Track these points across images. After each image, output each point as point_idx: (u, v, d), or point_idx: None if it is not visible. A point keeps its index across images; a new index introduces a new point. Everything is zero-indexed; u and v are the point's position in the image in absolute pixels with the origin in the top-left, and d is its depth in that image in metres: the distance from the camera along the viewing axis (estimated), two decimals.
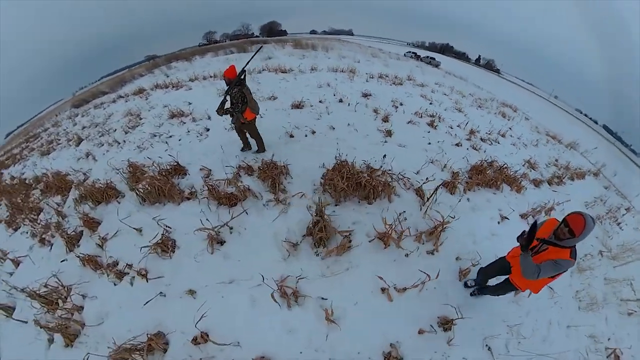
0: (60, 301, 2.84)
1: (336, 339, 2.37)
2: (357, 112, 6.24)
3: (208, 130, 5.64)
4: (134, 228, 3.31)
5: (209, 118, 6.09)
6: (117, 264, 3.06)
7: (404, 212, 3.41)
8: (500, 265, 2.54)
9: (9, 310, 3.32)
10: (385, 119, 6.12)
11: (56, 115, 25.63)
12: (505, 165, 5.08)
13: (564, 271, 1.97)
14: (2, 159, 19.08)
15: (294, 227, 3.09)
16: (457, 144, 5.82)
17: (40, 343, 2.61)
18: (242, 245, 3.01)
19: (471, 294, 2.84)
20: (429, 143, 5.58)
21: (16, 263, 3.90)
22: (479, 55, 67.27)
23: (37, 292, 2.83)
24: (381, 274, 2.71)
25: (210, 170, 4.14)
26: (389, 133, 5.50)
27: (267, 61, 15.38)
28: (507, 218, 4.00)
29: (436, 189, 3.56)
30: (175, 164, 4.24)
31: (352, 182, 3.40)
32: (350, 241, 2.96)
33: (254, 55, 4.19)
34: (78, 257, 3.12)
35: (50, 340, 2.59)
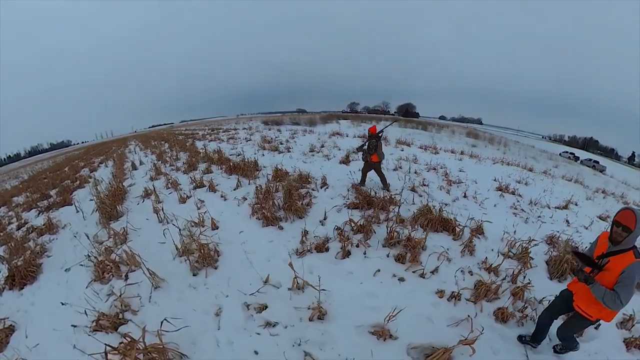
0: None
1: None
2: None
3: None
4: None
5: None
6: None
7: None
8: (564, 298, 2.36)
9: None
10: None
11: (237, 122, 32.83)
12: None
13: None
14: (187, 133, 24.61)
15: None
16: None
17: None
18: None
19: (555, 352, 2.59)
20: None
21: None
22: (633, 152, 56.42)
23: None
24: None
25: None
26: None
27: (472, 149, 17.44)
28: None
29: None
30: None
31: None
32: None
33: (390, 124, 8.30)
34: None
35: None
